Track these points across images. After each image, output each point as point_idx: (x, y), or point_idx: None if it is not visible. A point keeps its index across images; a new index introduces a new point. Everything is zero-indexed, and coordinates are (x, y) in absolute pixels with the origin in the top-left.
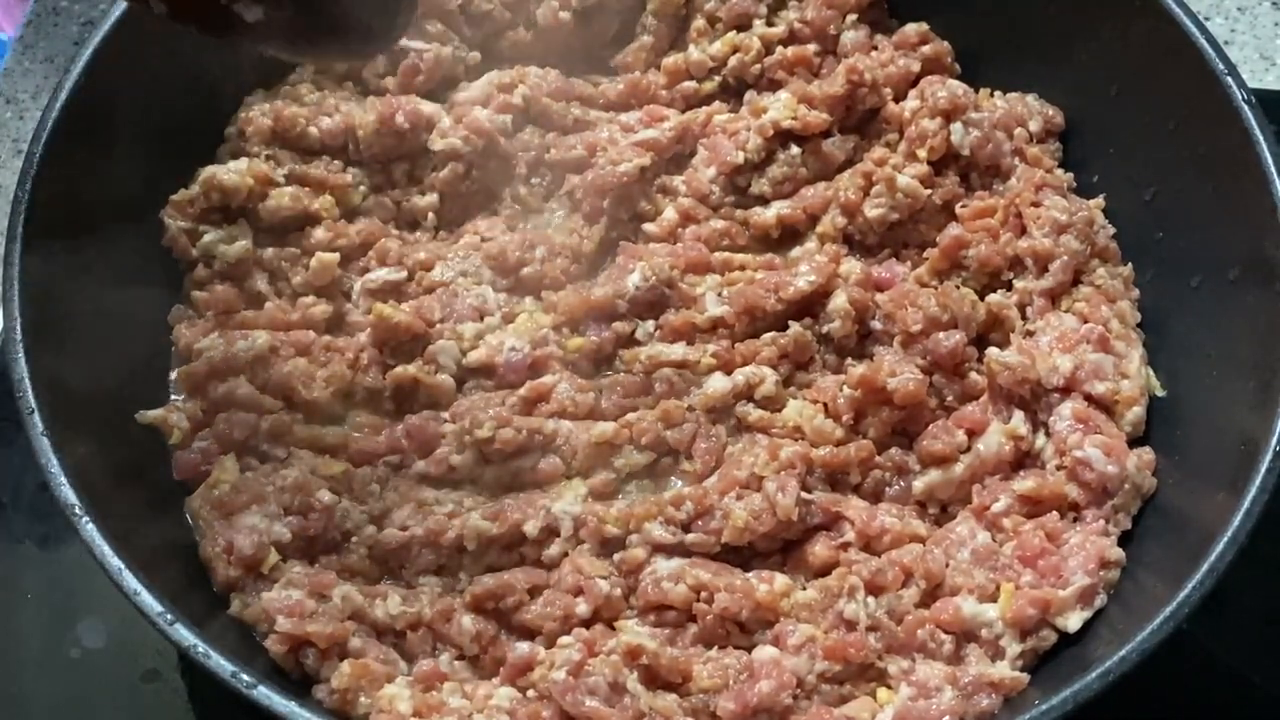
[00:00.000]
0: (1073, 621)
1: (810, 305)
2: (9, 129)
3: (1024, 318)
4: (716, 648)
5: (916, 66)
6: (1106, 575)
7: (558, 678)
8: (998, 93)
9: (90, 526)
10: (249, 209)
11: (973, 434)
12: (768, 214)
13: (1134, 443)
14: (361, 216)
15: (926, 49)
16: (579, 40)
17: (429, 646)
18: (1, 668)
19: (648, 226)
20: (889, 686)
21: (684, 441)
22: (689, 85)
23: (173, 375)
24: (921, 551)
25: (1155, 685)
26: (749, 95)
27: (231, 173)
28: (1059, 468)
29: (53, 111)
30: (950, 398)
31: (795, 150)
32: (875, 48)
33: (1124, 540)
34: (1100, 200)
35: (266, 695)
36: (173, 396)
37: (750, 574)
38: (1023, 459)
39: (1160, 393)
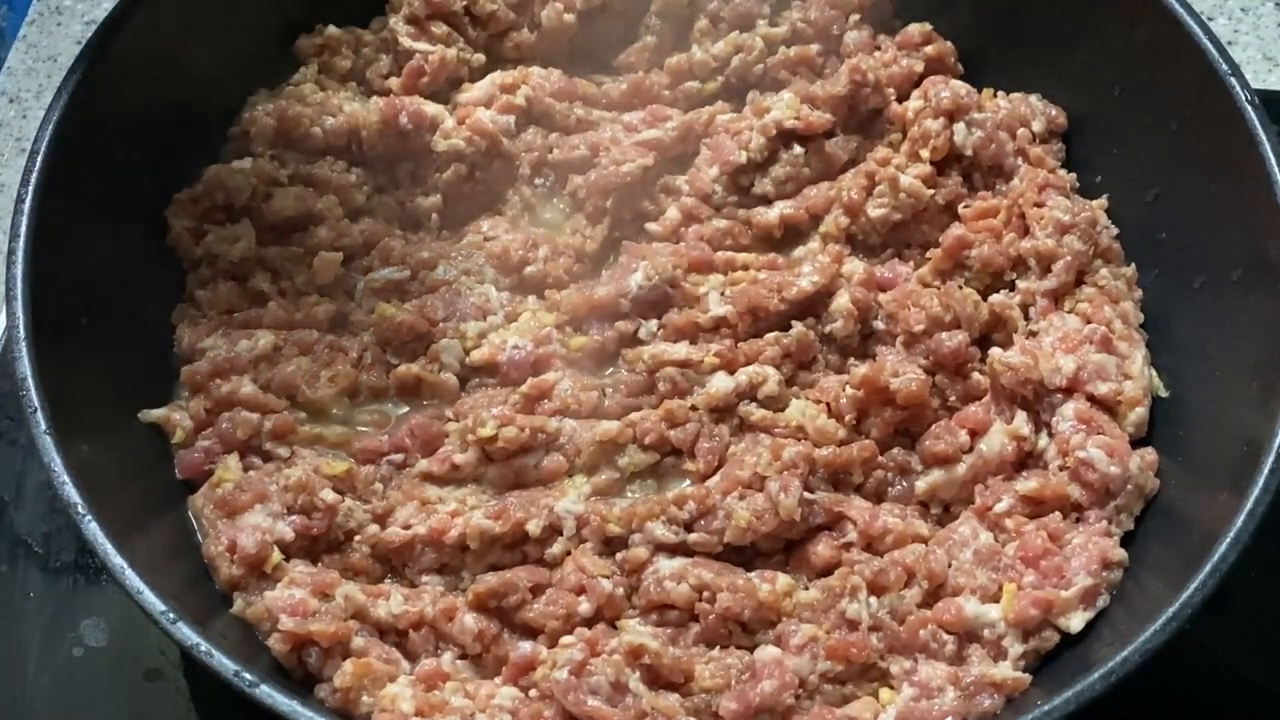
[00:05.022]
0: (1075, 622)
1: (813, 305)
2: (12, 128)
3: (1027, 318)
4: (719, 647)
5: (919, 66)
6: (1109, 576)
7: (560, 677)
8: (1000, 93)
9: (93, 525)
10: (253, 208)
11: (975, 434)
12: (770, 214)
13: (1137, 443)
14: (365, 216)
15: (929, 49)
16: (583, 41)
17: (431, 645)
18: (4, 666)
19: (650, 226)
20: (891, 687)
21: (687, 441)
22: (692, 85)
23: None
24: (924, 552)
25: (1158, 686)
26: (752, 95)
27: (236, 172)
28: (1061, 468)
29: (56, 110)
30: (953, 398)
31: (798, 150)
32: (878, 48)
33: (1126, 541)
34: (1103, 201)
35: (269, 694)
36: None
37: (752, 574)
38: (1025, 459)
39: (1163, 393)
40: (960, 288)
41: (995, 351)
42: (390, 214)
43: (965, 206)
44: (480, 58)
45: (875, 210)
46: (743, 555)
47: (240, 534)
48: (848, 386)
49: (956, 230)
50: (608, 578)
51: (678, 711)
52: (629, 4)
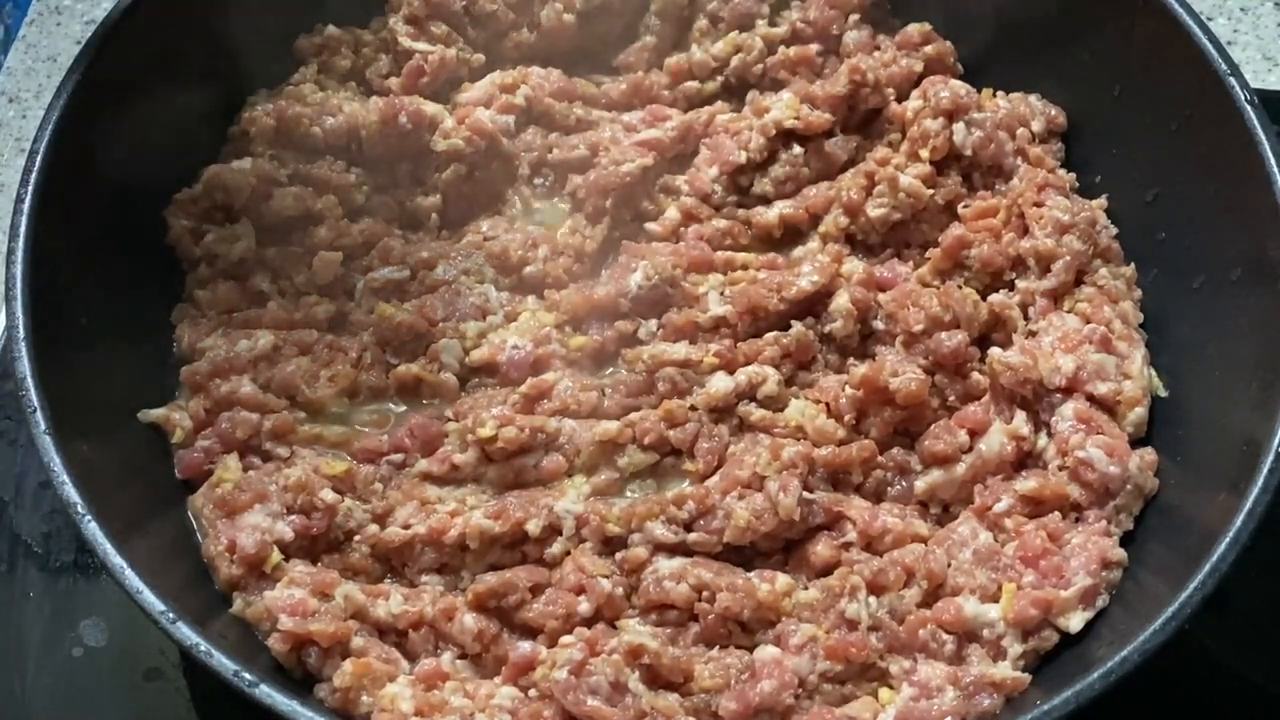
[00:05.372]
0: (1074, 622)
1: (812, 305)
2: (11, 127)
3: (1026, 318)
4: (718, 647)
5: (919, 66)
6: (1108, 576)
7: (559, 677)
8: (1000, 93)
9: (92, 525)
10: (252, 208)
11: (975, 434)
12: (770, 213)
13: (1136, 443)
14: (364, 216)
15: (929, 49)
16: (582, 41)
17: (431, 645)
18: (4, 666)
19: (650, 226)
20: (891, 686)
21: (686, 441)
22: (691, 85)
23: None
24: (923, 551)
25: (1157, 686)
26: (751, 95)
27: (235, 172)
28: (1061, 468)
29: (55, 110)
30: (952, 398)
31: (797, 150)
32: (878, 47)
33: (1126, 541)
34: (1103, 200)
35: (268, 694)
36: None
37: (752, 574)
38: (1025, 459)
39: (1163, 393)
40: (960, 287)
41: (995, 351)
42: (390, 214)
43: (965, 206)
44: (480, 58)
45: (875, 210)
46: (742, 555)
47: (240, 534)
48: (847, 386)
49: (956, 230)
50: (607, 577)
51: (677, 711)
52: (628, 4)
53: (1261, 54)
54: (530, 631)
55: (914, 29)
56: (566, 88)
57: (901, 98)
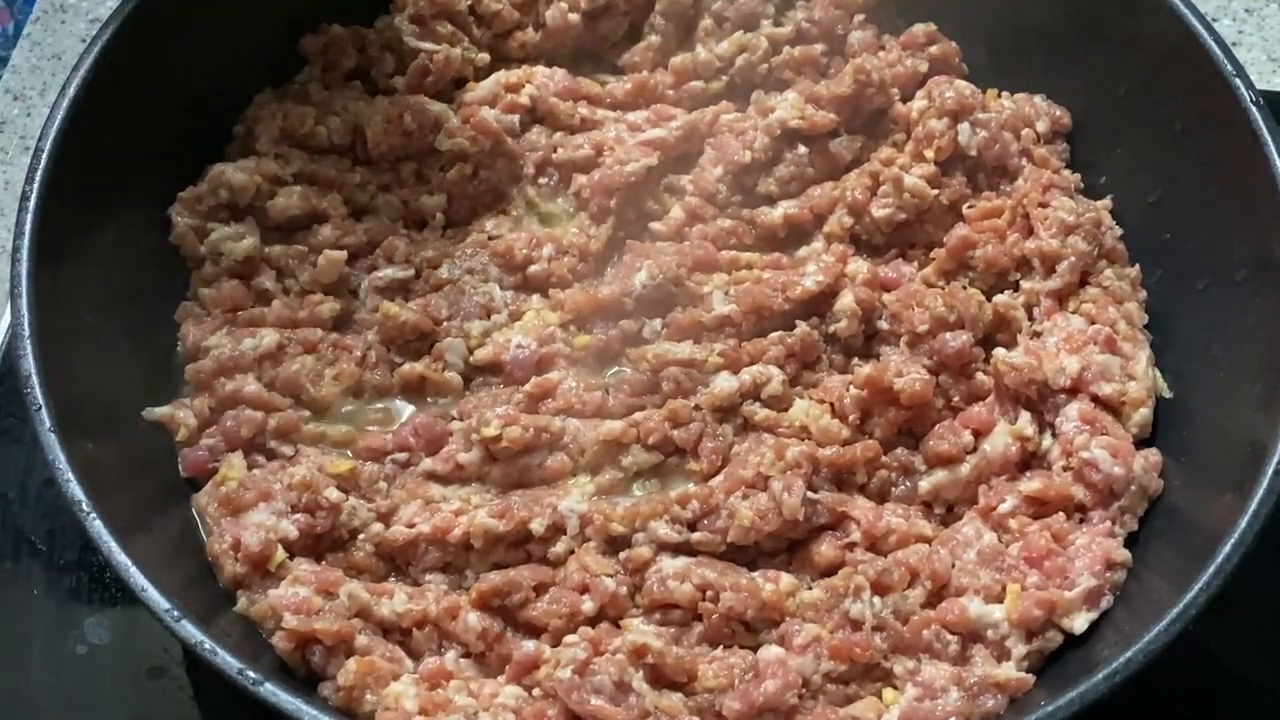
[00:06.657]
0: (1078, 623)
1: (817, 305)
2: (16, 126)
3: (1031, 318)
4: (722, 647)
5: (924, 66)
6: (1112, 577)
7: (563, 676)
8: (1005, 93)
9: (97, 523)
10: (257, 207)
11: (979, 434)
12: (775, 213)
13: (1141, 444)
14: (369, 215)
15: (934, 49)
16: (587, 41)
17: (435, 644)
18: (7, 664)
19: (655, 225)
20: (894, 687)
21: (690, 441)
22: (696, 85)
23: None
24: (927, 552)
25: (1161, 687)
26: (756, 95)
27: (240, 171)
28: (1065, 469)
29: (60, 108)
30: (957, 398)
31: (802, 150)
32: (883, 48)
33: (1130, 542)
34: (1108, 201)
35: (272, 692)
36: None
37: (756, 573)
38: (1029, 460)
39: (1167, 394)
40: (964, 288)
41: (999, 352)
42: (394, 213)
43: (969, 207)
44: (485, 57)
45: (879, 210)
46: (746, 555)
47: (244, 532)
48: (851, 386)
49: (961, 230)
50: (611, 577)
51: (681, 711)
52: (633, 4)
53: (1267, 55)
54: (534, 630)
55: (919, 29)
56: (571, 87)
57: (906, 98)
